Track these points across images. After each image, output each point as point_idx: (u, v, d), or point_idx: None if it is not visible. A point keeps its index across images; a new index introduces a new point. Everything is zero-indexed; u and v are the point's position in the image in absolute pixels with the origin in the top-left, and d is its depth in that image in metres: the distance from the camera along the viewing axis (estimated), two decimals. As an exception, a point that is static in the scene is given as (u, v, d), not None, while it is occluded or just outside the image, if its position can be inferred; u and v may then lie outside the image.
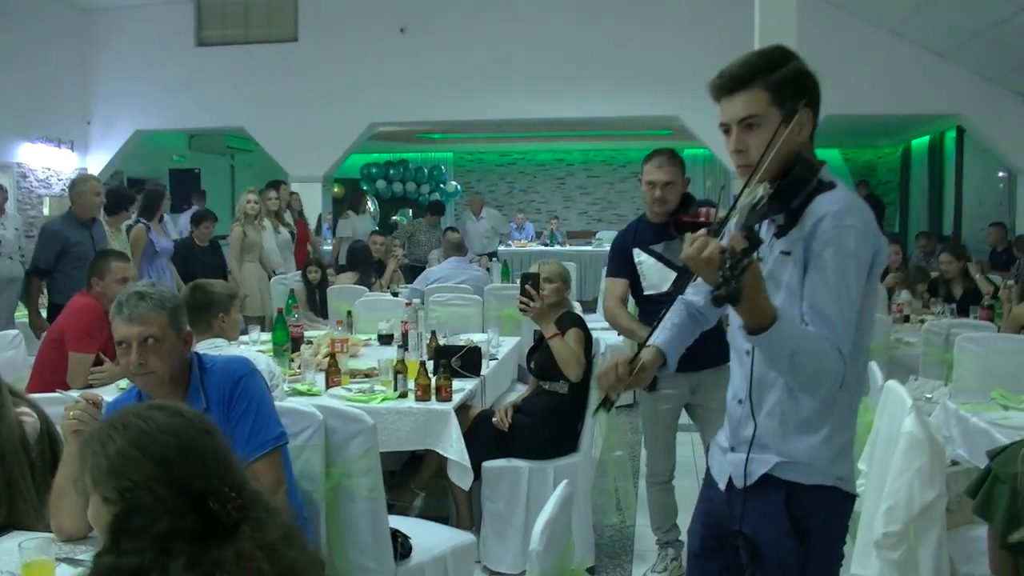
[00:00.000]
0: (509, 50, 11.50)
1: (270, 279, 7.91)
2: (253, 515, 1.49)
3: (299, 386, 4.11)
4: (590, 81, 11.37)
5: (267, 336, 5.26)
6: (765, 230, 1.94)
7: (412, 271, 9.54)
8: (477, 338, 5.13)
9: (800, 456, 1.91)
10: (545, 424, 4.07)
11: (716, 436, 2.15)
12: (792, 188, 1.81)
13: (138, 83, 12.15)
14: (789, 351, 1.71)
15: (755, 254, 1.60)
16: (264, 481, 2.24)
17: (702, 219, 3.52)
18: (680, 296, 2.27)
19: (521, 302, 3.94)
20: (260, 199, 7.94)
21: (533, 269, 4.11)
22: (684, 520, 3.01)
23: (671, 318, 2.24)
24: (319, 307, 7.70)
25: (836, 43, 9.87)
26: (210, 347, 3.42)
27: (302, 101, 11.87)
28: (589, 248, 13.84)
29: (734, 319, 2.00)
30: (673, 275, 3.51)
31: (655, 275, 3.76)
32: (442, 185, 16.30)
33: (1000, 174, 12.64)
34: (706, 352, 2.90)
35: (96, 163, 12.35)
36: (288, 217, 8.88)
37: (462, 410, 4.06)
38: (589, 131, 15.76)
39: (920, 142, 15.21)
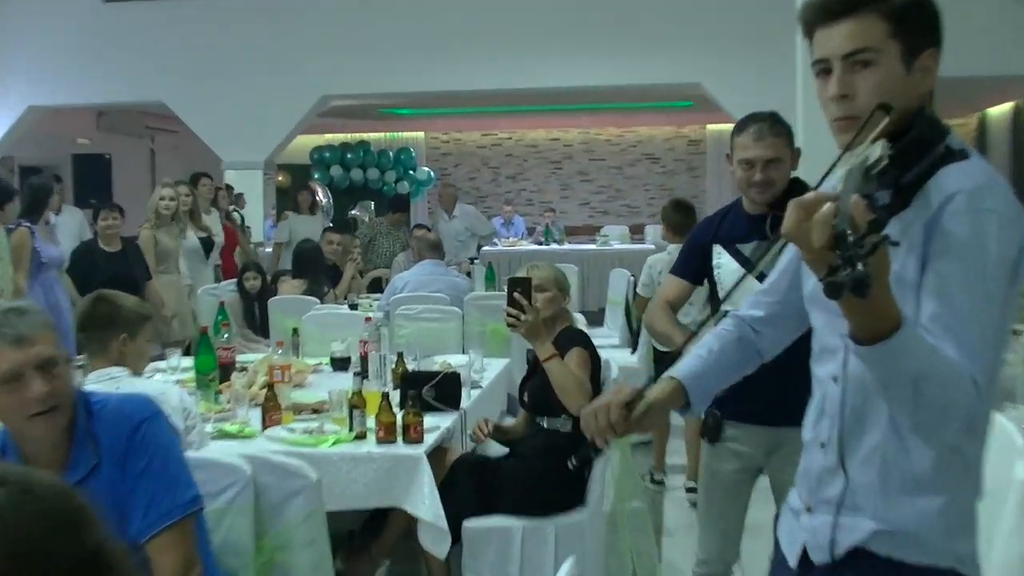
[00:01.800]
0: (492, 5, 11.40)
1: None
2: None
3: (228, 426, 4.01)
4: (591, 42, 11.32)
5: (189, 362, 5.11)
6: None
7: (372, 285, 9.43)
8: (456, 361, 5.07)
9: (907, 524, 1.73)
10: (543, 471, 3.97)
11: (788, 497, 1.98)
12: (912, 152, 1.67)
13: (31, 48, 12.02)
14: (913, 373, 1.53)
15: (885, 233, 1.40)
16: (169, 561, 2.10)
17: None
18: (732, 310, 2.10)
19: (509, 315, 3.82)
20: (178, 194, 7.80)
21: (522, 273, 3.99)
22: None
23: (710, 342, 2.07)
24: (258, 324, 7.57)
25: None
26: (103, 379, 3.31)
27: (237, 69, 11.77)
28: (592, 247, 13.81)
29: (820, 340, 1.83)
30: (759, 286, 3.31)
31: (732, 283, 3.47)
32: (411, 172, 16.21)
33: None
34: (792, 400, 2.73)
35: (-21, 147, 12.19)
36: (211, 220, 8.76)
37: (437, 454, 3.96)
38: (591, 104, 15.71)
39: (1000, 111, 15.19)
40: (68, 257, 7.25)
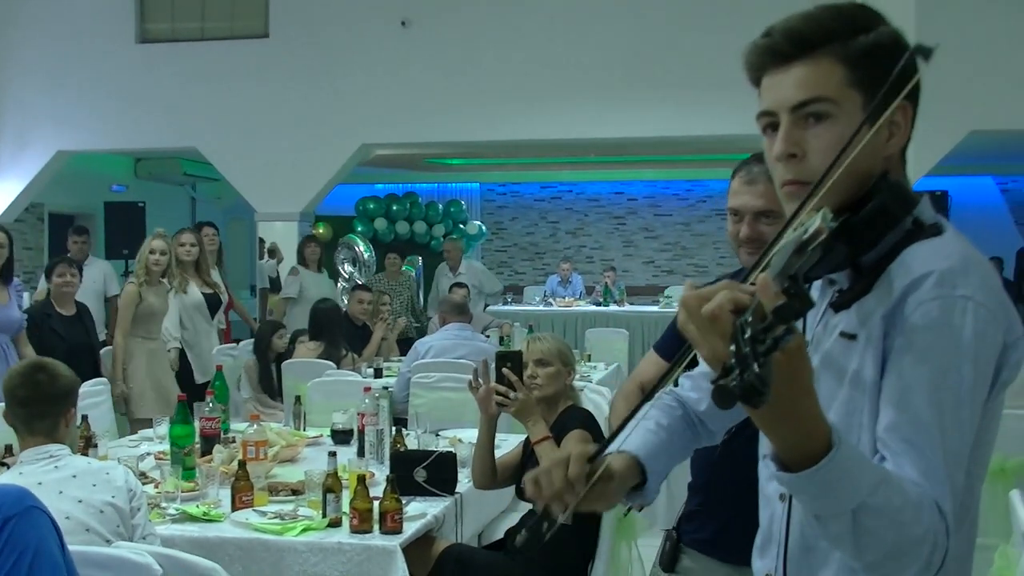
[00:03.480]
0: (548, 51, 11.34)
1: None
2: None
3: (192, 508, 3.85)
4: (655, 90, 11.21)
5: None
6: (818, 294, 1.59)
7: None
8: (469, 436, 4.85)
9: None
10: (541, 567, 3.82)
11: None
12: (870, 227, 1.47)
13: (61, 90, 12.19)
14: (851, 504, 1.32)
15: (797, 323, 1.19)
16: None
17: None
18: (669, 389, 1.89)
19: (497, 392, 3.66)
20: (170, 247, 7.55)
21: (519, 345, 3.86)
22: None
23: (655, 415, 1.86)
24: (276, 388, 7.47)
25: (978, 33, 9.46)
26: (40, 457, 3.20)
27: (274, 116, 11.83)
28: (655, 309, 13.59)
29: (766, 444, 1.61)
30: None
31: None
32: (462, 225, 16.12)
33: None
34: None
35: (6, 193, 12.42)
36: (217, 275, 8.61)
37: (422, 545, 3.80)
38: (655, 155, 15.56)
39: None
40: (25, 322, 6.73)
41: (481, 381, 3.86)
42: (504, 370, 3.72)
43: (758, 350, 1.14)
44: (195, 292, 7.81)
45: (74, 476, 3.15)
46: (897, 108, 1.47)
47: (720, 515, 2.76)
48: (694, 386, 1.89)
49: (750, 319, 1.17)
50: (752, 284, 1.27)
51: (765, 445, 1.52)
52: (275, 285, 11.19)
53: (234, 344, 8.88)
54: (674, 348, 3.03)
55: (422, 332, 10.67)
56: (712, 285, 1.27)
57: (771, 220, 2.76)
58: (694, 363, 1.55)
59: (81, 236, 9.89)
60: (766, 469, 1.62)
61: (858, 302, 1.49)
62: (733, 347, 1.16)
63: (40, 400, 3.24)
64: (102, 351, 7.20)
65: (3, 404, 3.39)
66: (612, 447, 1.74)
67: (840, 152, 1.41)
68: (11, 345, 6.45)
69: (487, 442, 3.99)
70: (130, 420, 6.74)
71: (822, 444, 1.28)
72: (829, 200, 1.41)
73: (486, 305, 12.65)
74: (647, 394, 1.64)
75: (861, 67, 1.50)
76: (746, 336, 1.15)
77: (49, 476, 3.07)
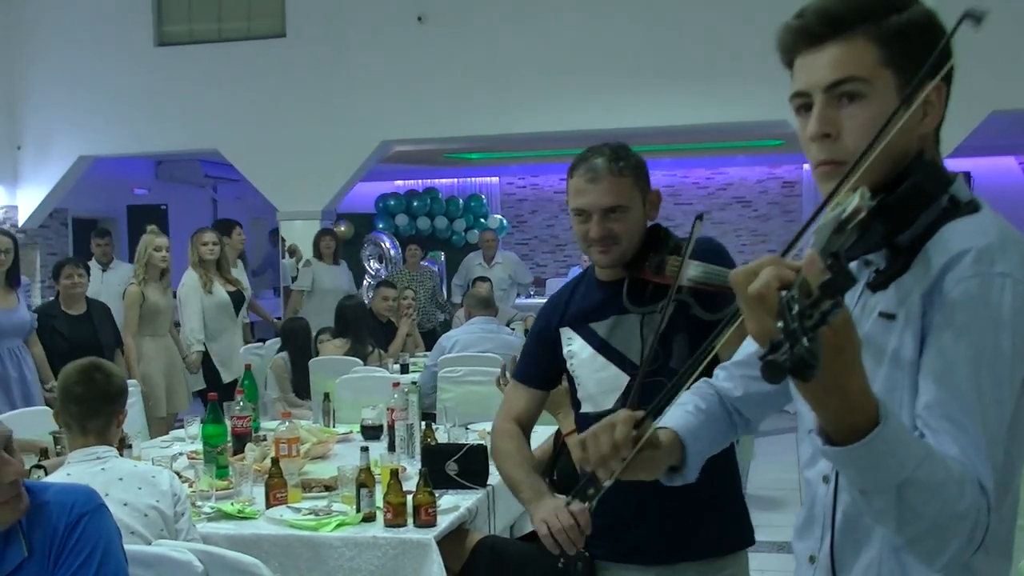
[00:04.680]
0: (565, 42, 11.30)
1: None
2: None
3: (227, 506, 3.89)
4: (673, 79, 11.13)
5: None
6: (856, 273, 1.57)
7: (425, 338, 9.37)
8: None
9: None
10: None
11: None
12: (907, 205, 1.48)
13: (81, 96, 12.20)
14: (896, 479, 1.32)
15: (843, 297, 1.20)
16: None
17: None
18: (703, 379, 1.90)
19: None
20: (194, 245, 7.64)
21: None
22: None
23: (694, 400, 1.87)
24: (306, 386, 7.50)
25: (1000, 12, 9.39)
26: (87, 458, 3.23)
27: (293, 115, 11.83)
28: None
29: (805, 417, 1.61)
30: (625, 379, 2.75)
31: (592, 377, 2.85)
32: (483, 220, 16.14)
33: None
34: (685, 526, 2.53)
35: (29, 199, 12.46)
36: (240, 271, 8.66)
37: (455, 538, 3.79)
38: (673, 145, 15.50)
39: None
40: (33, 323, 6.84)
41: (508, 379, 3.77)
42: None
43: (806, 324, 1.15)
44: (220, 292, 7.88)
45: (120, 479, 3.17)
46: (933, 88, 1.48)
47: (637, 522, 2.73)
48: (728, 376, 1.90)
49: (796, 295, 1.19)
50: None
51: (810, 420, 1.52)
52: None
53: (260, 343, 8.91)
54: (532, 370, 3.02)
55: (447, 325, 10.70)
56: (757, 261, 1.29)
57: (618, 215, 2.68)
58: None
59: (104, 239, 9.97)
60: (810, 447, 1.63)
61: (896, 282, 1.49)
62: (781, 323, 1.17)
63: (95, 398, 3.26)
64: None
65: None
66: (662, 419, 1.76)
67: (878, 133, 1.42)
68: (24, 347, 6.53)
69: None
70: (149, 419, 6.79)
71: (869, 418, 1.29)
72: (865, 179, 1.41)
73: (519, 292, 12.68)
74: (684, 373, 1.64)
75: (894, 46, 1.51)
76: (793, 312, 1.17)
77: (96, 478, 3.08)
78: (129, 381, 6.38)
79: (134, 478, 3.21)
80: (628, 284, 2.74)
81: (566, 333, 2.89)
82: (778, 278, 1.24)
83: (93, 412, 3.26)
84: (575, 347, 2.86)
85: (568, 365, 2.89)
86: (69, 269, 7.08)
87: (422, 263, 11.92)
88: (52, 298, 7.35)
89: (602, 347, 2.80)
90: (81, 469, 3.15)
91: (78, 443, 3.27)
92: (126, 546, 2.44)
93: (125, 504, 3.10)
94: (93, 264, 9.18)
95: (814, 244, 1.30)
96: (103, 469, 3.18)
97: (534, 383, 3.00)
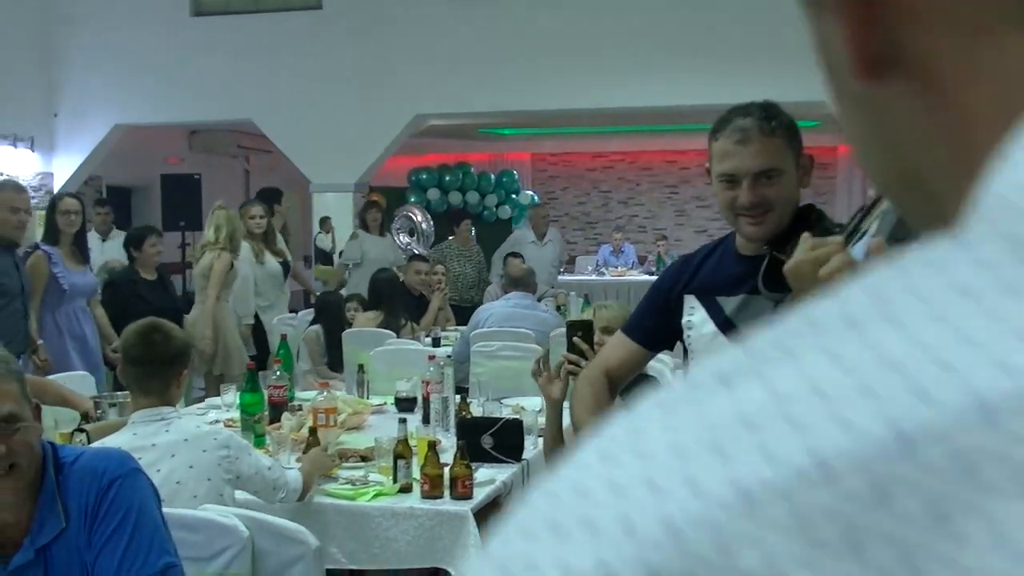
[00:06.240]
0: (601, 18, 11.26)
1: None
2: None
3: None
4: (712, 57, 11.05)
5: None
6: None
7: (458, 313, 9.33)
8: (532, 404, 4.88)
9: None
10: None
11: None
12: None
13: (115, 65, 12.27)
14: None
15: None
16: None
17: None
18: None
19: (569, 361, 3.60)
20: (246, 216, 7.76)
21: (586, 315, 3.82)
22: None
23: None
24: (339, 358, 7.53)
25: None
26: (152, 419, 3.22)
27: (327, 87, 11.85)
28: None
29: None
30: None
31: (708, 354, 2.40)
32: (514, 195, 16.11)
33: None
34: None
35: (65, 166, 12.55)
36: (281, 242, 8.71)
37: (490, 511, 3.81)
38: (709, 124, 15.41)
39: None
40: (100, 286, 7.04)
41: (542, 368, 3.57)
42: (574, 339, 3.55)
43: None
44: (271, 262, 8.02)
45: (185, 440, 3.17)
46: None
47: None
48: None
49: None
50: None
51: None
52: (325, 257, 11.28)
53: (292, 314, 8.95)
54: (642, 325, 2.84)
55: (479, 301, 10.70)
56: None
57: (772, 179, 2.42)
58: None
59: (104, 208, 10.18)
60: None
61: None
62: None
63: (154, 360, 3.24)
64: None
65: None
66: None
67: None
68: (87, 309, 6.71)
69: (557, 433, 3.51)
70: (209, 379, 7.12)
71: None
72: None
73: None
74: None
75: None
76: None
77: (162, 438, 3.10)
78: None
79: (197, 440, 3.20)
80: (768, 263, 2.44)
81: (689, 301, 2.67)
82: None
83: (150, 374, 3.25)
84: (696, 319, 2.66)
85: (685, 336, 2.69)
86: (154, 239, 7.29)
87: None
88: (127, 263, 7.52)
89: (726, 325, 2.58)
90: (146, 430, 3.14)
91: (141, 403, 3.25)
92: (169, 509, 2.44)
93: (191, 467, 3.10)
94: (92, 234, 9.23)
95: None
96: (167, 430, 3.17)
97: (638, 338, 2.80)
